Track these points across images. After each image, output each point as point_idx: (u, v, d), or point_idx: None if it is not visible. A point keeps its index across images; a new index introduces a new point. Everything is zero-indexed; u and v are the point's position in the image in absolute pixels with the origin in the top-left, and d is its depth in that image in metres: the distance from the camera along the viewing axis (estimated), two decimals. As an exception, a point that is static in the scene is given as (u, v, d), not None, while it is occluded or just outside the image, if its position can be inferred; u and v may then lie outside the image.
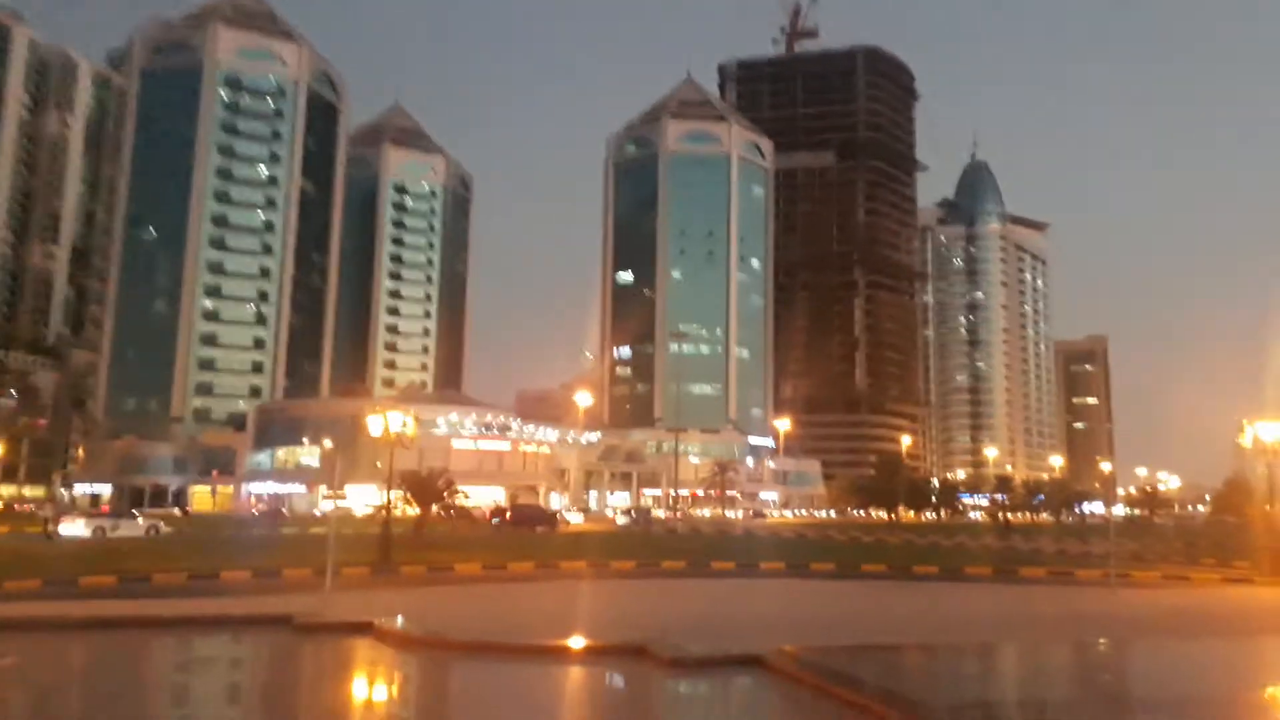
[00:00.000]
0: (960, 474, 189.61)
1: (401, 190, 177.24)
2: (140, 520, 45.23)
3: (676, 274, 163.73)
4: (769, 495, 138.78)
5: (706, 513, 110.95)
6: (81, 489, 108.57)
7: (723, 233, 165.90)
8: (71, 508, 71.26)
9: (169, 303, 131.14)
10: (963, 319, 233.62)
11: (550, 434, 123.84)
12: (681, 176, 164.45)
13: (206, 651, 14.55)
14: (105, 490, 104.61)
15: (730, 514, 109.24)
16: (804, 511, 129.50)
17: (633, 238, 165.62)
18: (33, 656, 12.99)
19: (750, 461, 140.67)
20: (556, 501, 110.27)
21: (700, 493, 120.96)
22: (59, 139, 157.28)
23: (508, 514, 58.46)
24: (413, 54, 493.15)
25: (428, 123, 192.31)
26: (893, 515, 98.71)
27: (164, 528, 44.21)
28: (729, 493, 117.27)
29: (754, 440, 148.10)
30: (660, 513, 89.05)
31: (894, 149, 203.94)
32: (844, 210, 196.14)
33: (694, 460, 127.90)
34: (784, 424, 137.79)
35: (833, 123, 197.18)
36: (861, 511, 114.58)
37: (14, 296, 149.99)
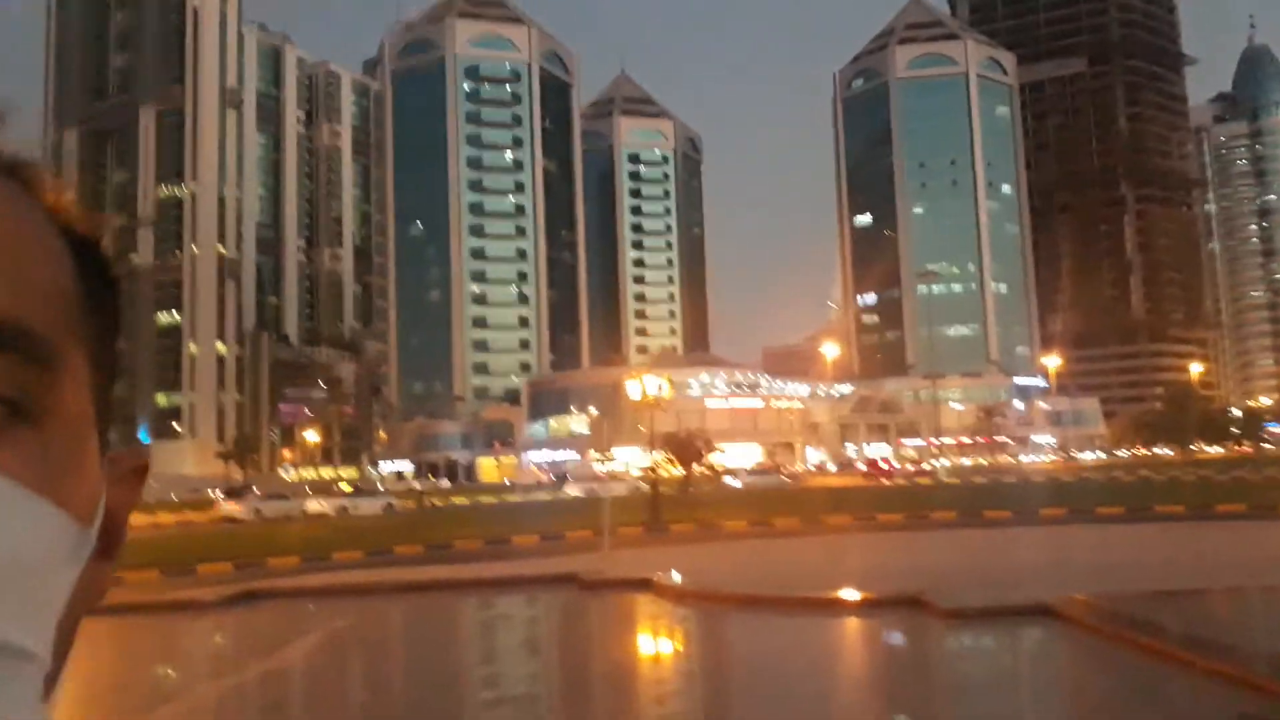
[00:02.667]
0: (1265, 401, 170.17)
1: (635, 159, 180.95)
2: (378, 500, 47.39)
3: (919, 210, 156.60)
4: (1043, 439, 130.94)
5: (984, 461, 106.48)
6: (386, 467, 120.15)
7: (966, 160, 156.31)
8: (377, 485, 79.53)
9: (442, 291, 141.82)
10: (1254, 226, 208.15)
11: (800, 389, 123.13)
12: (915, 105, 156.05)
13: (505, 609, 15.93)
14: (407, 467, 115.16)
15: (1006, 460, 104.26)
16: (1100, 454, 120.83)
17: (868, 177, 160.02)
18: (363, 617, 14.77)
19: (1019, 404, 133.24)
20: (813, 456, 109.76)
21: (966, 440, 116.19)
22: (332, 148, 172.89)
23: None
24: (630, 18, 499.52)
25: (652, 88, 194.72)
26: (1186, 451, 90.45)
27: (396, 504, 45.87)
28: (998, 438, 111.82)
29: (1021, 381, 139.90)
30: (935, 463, 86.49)
31: (1154, 44, 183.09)
32: (1102, 120, 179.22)
33: (956, 407, 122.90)
34: (1053, 361, 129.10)
35: (1080, 24, 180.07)
36: (1149, 450, 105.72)
37: (312, 297, 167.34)
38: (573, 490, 55.41)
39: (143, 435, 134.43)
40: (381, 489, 66.53)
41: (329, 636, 13.36)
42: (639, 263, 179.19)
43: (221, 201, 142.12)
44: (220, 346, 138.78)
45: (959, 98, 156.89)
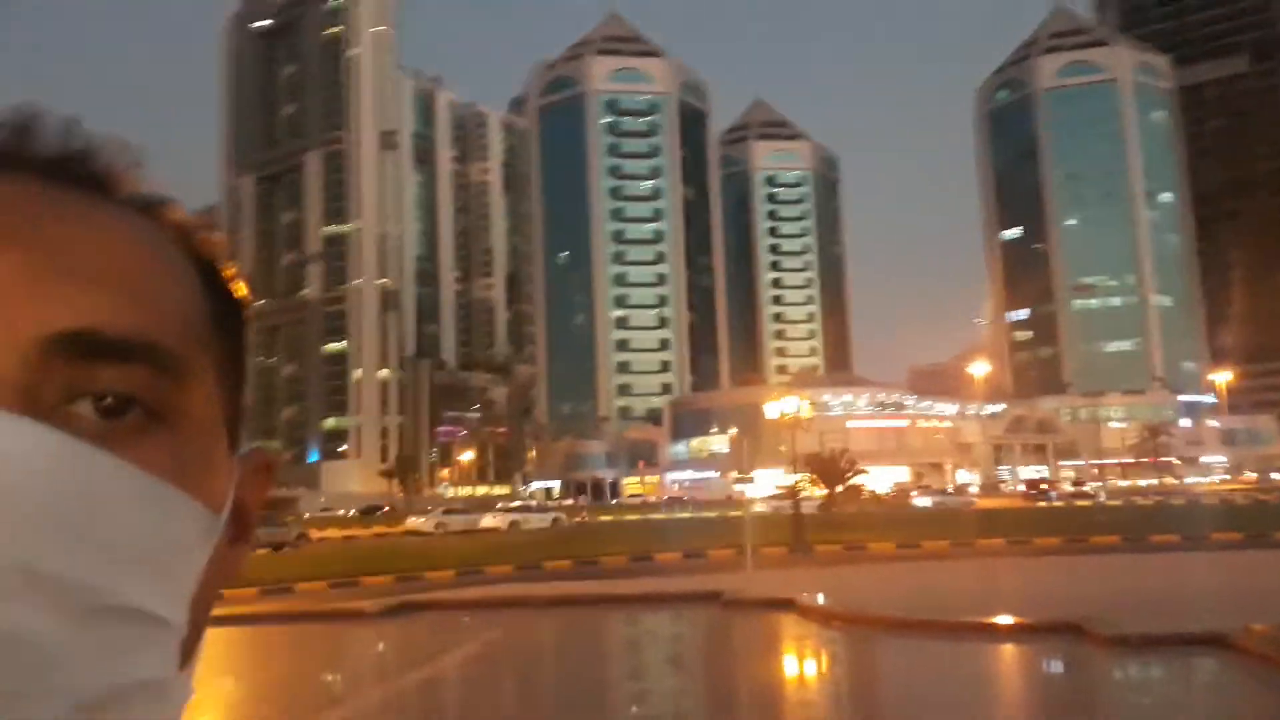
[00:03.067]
0: None
1: (772, 182, 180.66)
2: (547, 515, 49.98)
3: (1071, 222, 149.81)
4: (1214, 459, 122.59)
5: (1141, 483, 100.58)
6: (537, 485, 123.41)
7: (1120, 168, 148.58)
8: (529, 502, 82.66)
9: (586, 316, 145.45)
10: None
11: (949, 408, 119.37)
12: (1063, 115, 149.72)
13: (651, 625, 16.11)
14: (555, 485, 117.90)
15: (1171, 481, 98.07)
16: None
17: (1016, 190, 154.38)
18: (514, 629, 15.24)
19: (1186, 422, 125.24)
20: (964, 477, 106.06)
21: (1129, 460, 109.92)
22: (482, 184, 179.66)
23: None
24: (765, 44, 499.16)
25: (788, 111, 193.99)
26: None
27: (564, 519, 48.19)
28: (1164, 459, 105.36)
29: (1188, 398, 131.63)
30: (1090, 486, 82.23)
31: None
32: (1270, 119, 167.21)
33: (1117, 426, 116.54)
34: (1224, 377, 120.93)
35: (1242, 21, 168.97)
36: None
37: (467, 324, 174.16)
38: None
39: (312, 455, 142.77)
40: (534, 504, 68.76)
41: (482, 648, 13.85)
42: (777, 283, 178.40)
43: (382, 237, 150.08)
44: (383, 372, 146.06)
45: (1110, 105, 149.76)
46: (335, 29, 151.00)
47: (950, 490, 68.27)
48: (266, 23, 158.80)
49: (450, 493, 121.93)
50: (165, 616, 0.38)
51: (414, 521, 48.85)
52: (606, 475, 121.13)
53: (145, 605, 0.37)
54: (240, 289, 0.47)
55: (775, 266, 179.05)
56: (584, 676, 12.34)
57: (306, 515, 68.56)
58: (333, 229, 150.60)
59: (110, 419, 0.38)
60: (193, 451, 0.40)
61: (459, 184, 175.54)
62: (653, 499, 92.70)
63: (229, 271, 0.47)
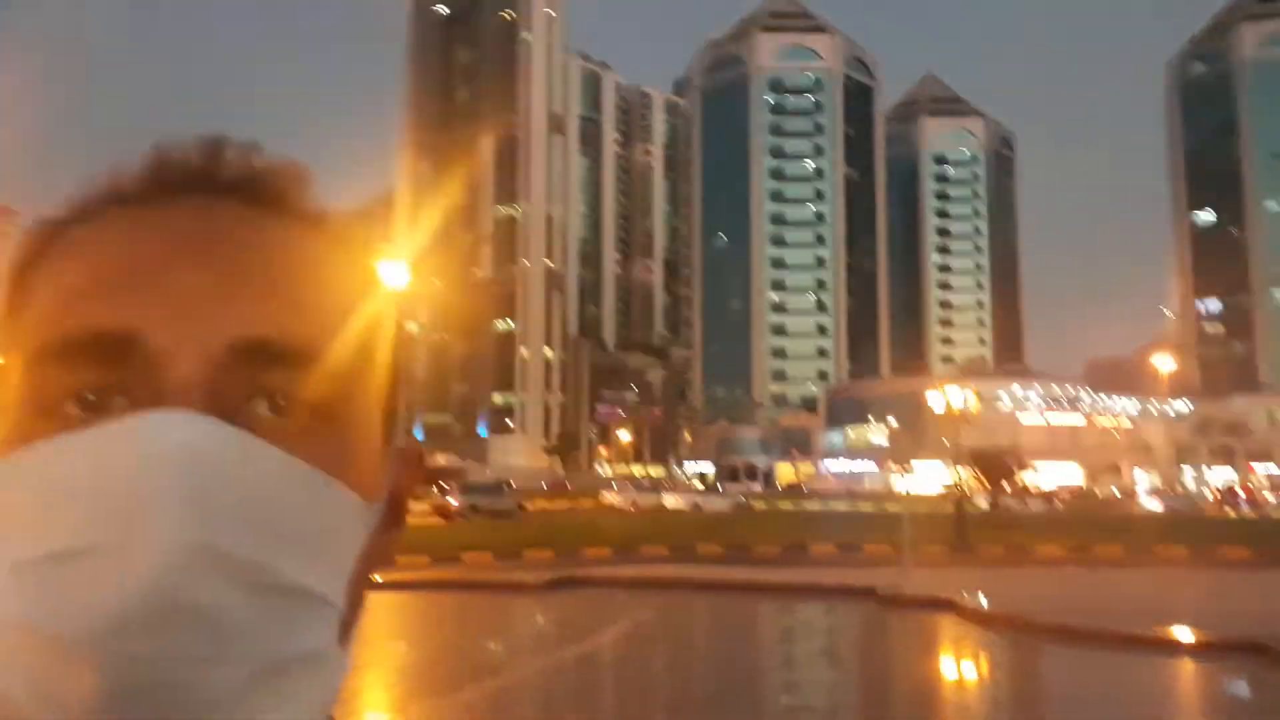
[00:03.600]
0: None
1: (941, 160, 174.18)
2: (726, 498, 52.27)
3: (1274, 205, 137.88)
4: None
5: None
6: (690, 468, 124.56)
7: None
8: (683, 483, 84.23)
9: (742, 300, 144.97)
10: None
11: (1129, 405, 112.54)
12: (1268, 87, 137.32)
13: (804, 616, 16.08)
14: (708, 468, 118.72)
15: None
16: None
17: (1210, 171, 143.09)
18: (668, 610, 15.54)
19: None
20: (1143, 480, 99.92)
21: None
22: (645, 166, 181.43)
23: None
24: (941, 17, 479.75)
25: (963, 87, 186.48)
26: None
27: (750, 502, 50.41)
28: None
29: None
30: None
31: None
32: None
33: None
34: None
35: None
36: None
37: (626, 306, 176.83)
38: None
39: (481, 429, 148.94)
40: (700, 488, 71.27)
41: (636, 626, 14.19)
42: (944, 268, 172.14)
43: (548, 219, 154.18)
44: (547, 351, 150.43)
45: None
46: (508, 13, 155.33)
47: (1171, 492, 64.72)
48: (445, 9, 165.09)
49: (608, 471, 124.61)
50: (327, 595, 0.42)
51: (610, 498, 53.64)
52: (760, 461, 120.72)
53: (310, 585, 0.41)
54: (395, 296, 0.52)
55: (943, 250, 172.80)
56: (735, 662, 12.48)
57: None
58: (503, 212, 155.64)
59: (281, 417, 0.42)
60: (352, 447, 0.45)
61: (622, 166, 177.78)
62: (809, 488, 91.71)
63: (387, 279, 0.53)
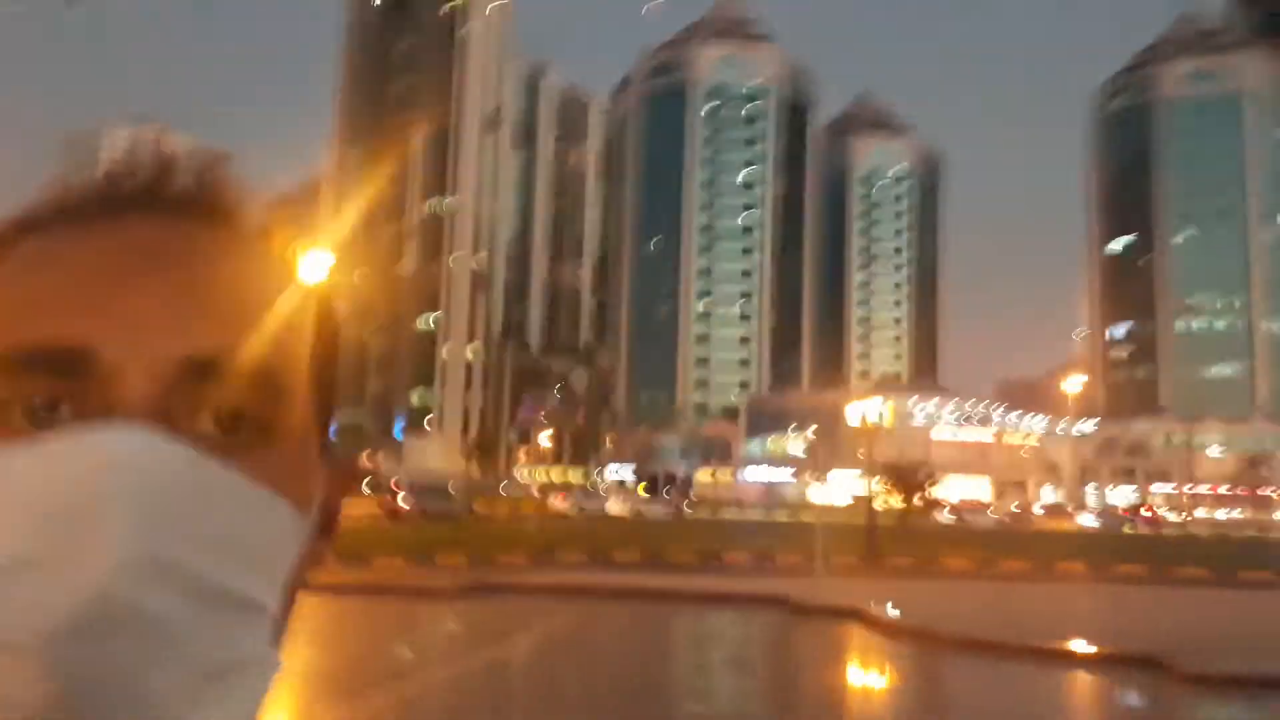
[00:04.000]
0: None
1: (870, 179, 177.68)
2: (667, 506, 55.34)
3: (1180, 238, 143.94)
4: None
5: (1229, 514, 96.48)
6: (610, 473, 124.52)
7: (1239, 185, 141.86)
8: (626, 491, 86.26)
9: (670, 306, 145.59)
10: None
11: (1038, 424, 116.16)
12: (1183, 125, 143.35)
13: (717, 624, 16.18)
14: (629, 474, 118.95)
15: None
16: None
17: (1125, 201, 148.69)
18: (582, 618, 15.46)
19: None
20: (1049, 497, 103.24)
21: (1225, 491, 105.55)
22: (579, 168, 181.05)
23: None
24: (877, 35, 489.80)
25: (898, 106, 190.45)
26: None
27: (688, 511, 52.46)
28: (1264, 491, 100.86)
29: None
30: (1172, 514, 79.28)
31: None
32: None
33: (1214, 454, 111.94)
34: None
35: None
36: None
37: (553, 309, 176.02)
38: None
39: (397, 430, 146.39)
40: (644, 496, 72.50)
41: (549, 634, 14.10)
42: (866, 285, 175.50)
43: (478, 216, 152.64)
44: (469, 351, 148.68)
45: (1233, 117, 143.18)
46: (452, 2, 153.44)
47: (1129, 515, 66.85)
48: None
49: (526, 474, 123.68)
50: (264, 602, 0.45)
51: (555, 503, 54.30)
52: (679, 467, 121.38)
53: (248, 593, 0.44)
54: (336, 313, 0.55)
55: (864, 267, 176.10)
56: (646, 670, 12.49)
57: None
58: (431, 205, 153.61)
59: (225, 433, 0.45)
60: (290, 460, 0.47)
61: (557, 167, 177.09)
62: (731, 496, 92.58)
63: (328, 295, 0.54)
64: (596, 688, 11.40)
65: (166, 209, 0.49)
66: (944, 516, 54.45)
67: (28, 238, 0.48)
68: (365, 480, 48.61)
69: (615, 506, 51.42)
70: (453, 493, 45.58)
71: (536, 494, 60.60)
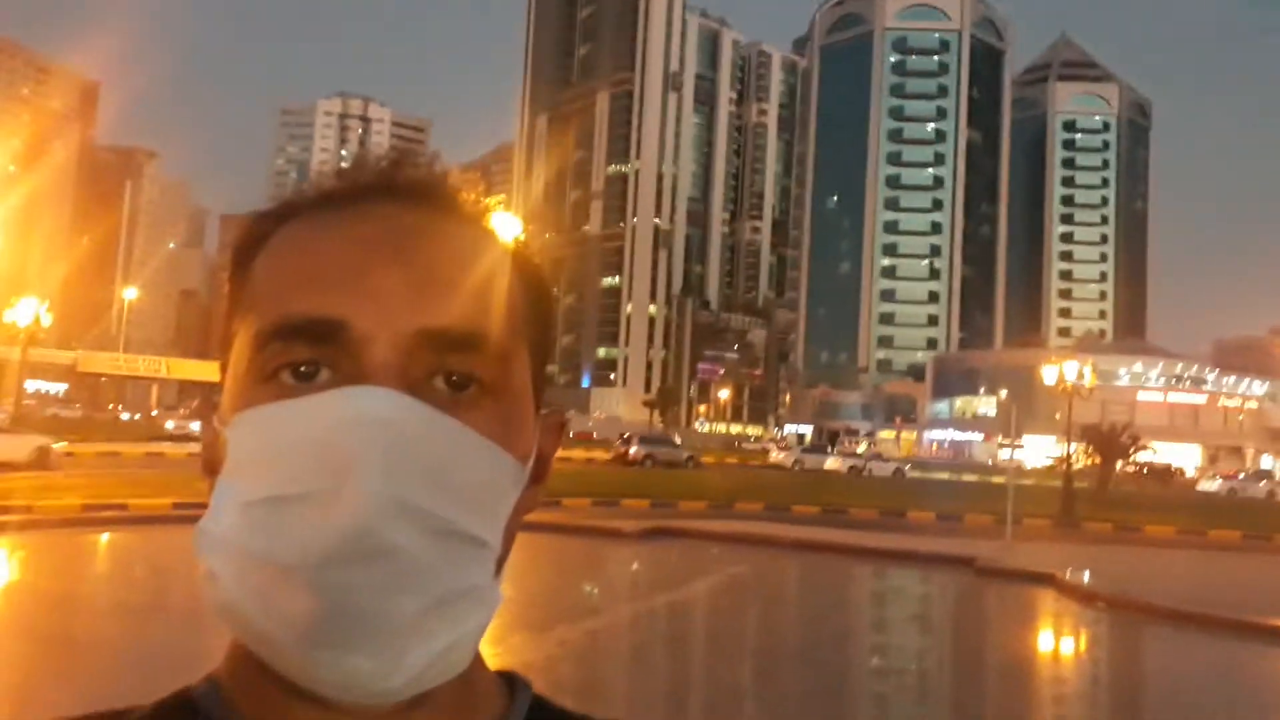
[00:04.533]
0: None
1: (1071, 126, 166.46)
2: (889, 464, 54.14)
3: None
4: None
5: None
6: (789, 429, 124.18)
7: None
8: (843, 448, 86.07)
9: (852, 263, 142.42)
10: None
11: (1258, 387, 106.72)
12: None
13: (899, 581, 15.97)
14: (807, 430, 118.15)
15: None
16: None
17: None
18: (761, 566, 15.63)
19: None
20: (1268, 464, 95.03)
21: None
22: (759, 125, 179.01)
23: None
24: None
25: (1099, 51, 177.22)
26: None
27: (907, 471, 51.66)
28: None
29: None
30: None
31: None
32: None
33: None
34: None
35: None
36: None
37: (732, 266, 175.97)
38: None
39: (585, 380, 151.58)
40: (860, 453, 72.10)
41: (728, 579, 14.35)
42: (1068, 238, 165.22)
43: (660, 177, 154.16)
44: (651, 308, 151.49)
45: None
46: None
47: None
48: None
49: (705, 428, 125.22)
50: (488, 540, 0.54)
51: (775, 456, 56.13)
52: (860, 426, 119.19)
53: (476, 532, 0.53)
54: (545, 280, 0.64)
55: (1067, 219, 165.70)
56: (826, 621, 12.52)
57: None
58: (615, 168, 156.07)
59: (456, 393, 0.54)
60: (510, 416, 0.56)
61: (735, 125, 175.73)
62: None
63: (540, 269, 0.64)
64: (774, 633, 11.56)
65: (400, 196, 0.59)
66: (1149, 482, 51.20)
67: (288, 222, 0.60)
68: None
69: (833, 462, 51.91)
70: (679, 443, 50.16)
71: (757, 447, 61.78)
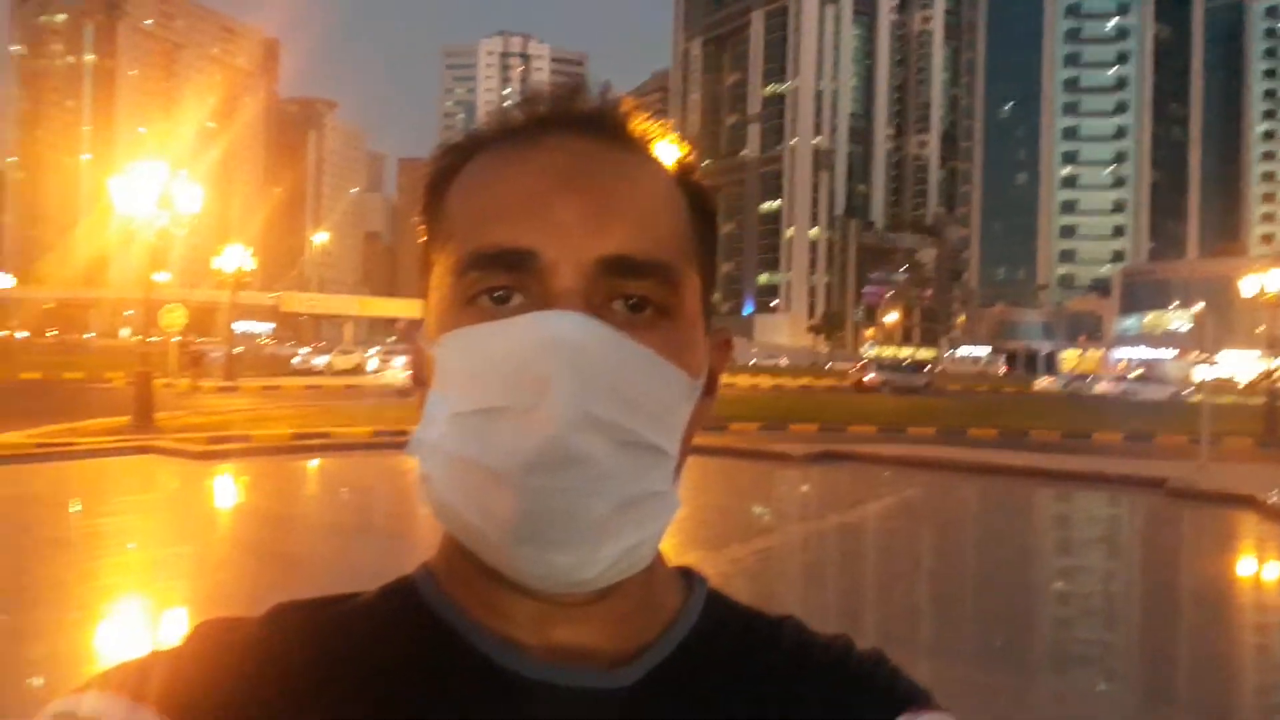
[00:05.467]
0: None
1: (1274, 13, 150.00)
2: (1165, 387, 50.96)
3: None
4: None
5: None
6: (964, 351, 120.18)
7: None
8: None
9: (1029, 174, 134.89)
10: None
11: None
12: None
13: (1084, 504, 15.42)
14: (983, 353, 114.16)
15: None
16: None
17: None
18: (935, 489, 15.42)
19: None
20: None
21: None
22: (923, 33, 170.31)
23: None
24: None
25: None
26: None
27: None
28: None
29: None
30: None
31: None
32: None
33: None
34: None
35: None
36: None
37: (898, 184, 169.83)
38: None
39: (747, 307, 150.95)
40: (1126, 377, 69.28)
41: (901, 502, 14.25)
42: (1269, 136, 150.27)
43: (818, 95, 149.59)
44: (813, 231, 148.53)
45: None
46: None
47: None
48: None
49: (874, 352, 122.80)
50: (667, 450, 0.60)
51: (1040, 383, 56.09)
52: (1042, 347, 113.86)
53: (657, 442, 0.59)
54: (712, 205, 0.69)
55: (1269, 116, 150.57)
56: (1005, 544, 12.29)
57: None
58: (772, 89, 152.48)
59: (633, 315, 0.59)
60: (683, 336, 0.61)
61: (898, 35, 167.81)
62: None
63: (707, 192, 0.68)
64: (951, 556, 11.45)
65: (577, 126, 0.63)
66: None
67: (475, 156, 0.65)
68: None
69: (1103, 386, 50.22)
70: (917, 369, 51.00)
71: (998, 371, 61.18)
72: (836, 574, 10.47)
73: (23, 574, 8.28)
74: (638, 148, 0.64)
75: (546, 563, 0.56)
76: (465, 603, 0.62)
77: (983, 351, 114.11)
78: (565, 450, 0.54)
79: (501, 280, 0.59)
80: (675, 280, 0.61)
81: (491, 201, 0.61)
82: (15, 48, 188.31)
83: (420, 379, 0.65)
